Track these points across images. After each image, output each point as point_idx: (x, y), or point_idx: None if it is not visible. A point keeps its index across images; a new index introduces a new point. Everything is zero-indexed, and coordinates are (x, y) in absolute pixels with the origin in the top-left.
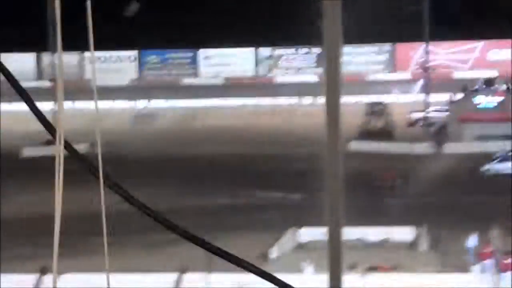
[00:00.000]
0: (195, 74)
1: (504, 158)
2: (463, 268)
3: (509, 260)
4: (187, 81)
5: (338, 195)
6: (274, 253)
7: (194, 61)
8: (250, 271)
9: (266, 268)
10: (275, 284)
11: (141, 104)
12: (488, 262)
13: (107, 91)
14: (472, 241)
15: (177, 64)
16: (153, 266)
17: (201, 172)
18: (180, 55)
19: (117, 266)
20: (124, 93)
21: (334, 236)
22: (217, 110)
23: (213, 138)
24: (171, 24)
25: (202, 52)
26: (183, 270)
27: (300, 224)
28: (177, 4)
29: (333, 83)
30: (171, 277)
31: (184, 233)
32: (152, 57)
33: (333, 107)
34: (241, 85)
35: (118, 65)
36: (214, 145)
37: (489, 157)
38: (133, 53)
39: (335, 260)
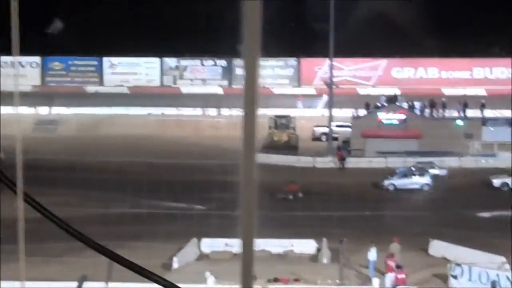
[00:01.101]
0: (100, 82)
1: (405, 174)
2: (364, 280)
3: (403, 275)
4: (92, 88)
5: (252, 206)
6: (176, 263)
7: (98, 69)
8: (153, 280)
9: (169, 277)
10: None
11: (44, 110)
12: (389, 275)
13: (9, 97)
14: (372, 254)
15: (81, 71)
16: (53, 275)
17: (105, 181)
18: (85, 63)
19: (16, 275)
20: (27, 99)
21: (247, 248)
22: (122, 119)
23: (117, 147)
24: (75, 31)
25: (107, 60)
26: (82, 279)
27: (203, 234)
28: (82, 11)
29: (250, 95)
30: (71, 286)
31: (90, 242)
32: (55, 64)
33: (250, 119)
34: (146, 95)
35: (20, 70)
36: (119, 154)
37: (390, 173)
38: (36, 59)
39: (246, 271)
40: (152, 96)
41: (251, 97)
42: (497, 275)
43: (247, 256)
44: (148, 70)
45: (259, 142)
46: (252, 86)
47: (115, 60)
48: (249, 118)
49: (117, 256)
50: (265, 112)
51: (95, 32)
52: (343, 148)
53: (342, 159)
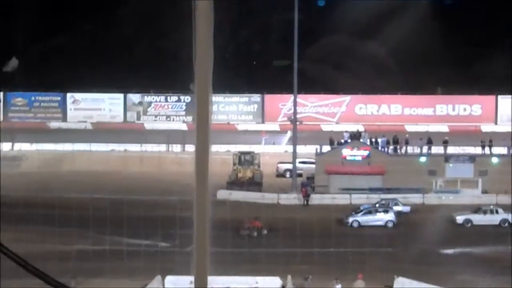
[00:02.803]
0: (63, 118)
1: (369, 211)
2: None
3: None
4: (55, 124)
5: (206, 244)
6: None
7: (62, 104)
8: None
9: None
10: None
11: (6, 146)
12: None
13: None
14: None
15: (44, 107)
16: None
17: (67, 217)
18: (48, 98)
19: None
20: None
21: (200, 285)
22: (85, 155)
23: (80, 183)
24: (38, 66)
25: (70, 96)
26: None
27: (167, 271)
28: (45, 47)
29: (203, 130)
30: None
31: (49, 279)
32: (18, 99)
33: (202, 155)
34: (109, 130)
35: None
36: (81, 190)
37: (354, 209)
38: None
39: None
40: (115, 132)
41: (203, 134)
42: None
43: None
44: (112, 106)
45: (222, 179)
46: (204, 122)
47: (79, 95)
48: (202, 155)
49: (53, 280)
50: (229, 149)
51: (58, 68)
52: (307, 185)
53: (307, 196)
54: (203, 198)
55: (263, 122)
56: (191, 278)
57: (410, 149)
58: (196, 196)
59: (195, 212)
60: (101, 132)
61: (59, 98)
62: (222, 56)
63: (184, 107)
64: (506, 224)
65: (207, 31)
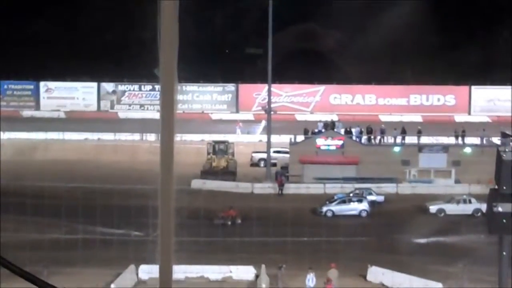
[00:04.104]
0: (36, 107)
1: (343, 200)
2: None
3: None
4: (28, 113)
5: (170, 233)
6: None
7: (35, 93)
8: None
9: None
10: None
11: None
12: None
13: None
14: (310, 280)
15: (17, 95)
16: None
17: (40, 206)
18: (21, 87)
19: None
20: None
21: (165, 275)
22: (58, 144)
23: (53, 172)
24: (11, 55)
25: (44, 85)
26: None
27: (141, 260)
28: (18, 34)
29: (167, 120)
30: None
31: (17, 270)
32: None
33: (167, 144)
34: (83, 119)
35: None
36: (54, 179)
37: (328, 199)
38: None
39: None
40: (89, 121)
41: (168, 122)
42: None
43: (165, 282)
44: (85, 95)
45: (196, 168)
46: (169, 111)
47: (52, 84)
48: (167, 144)
49: (47, 284)
50: (203, 138)
51: (31, 56)
52: (282, 174)
53: (281, 185)
54: (168, 187)
55: (237, 111)
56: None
57: (384, 139)
58: (160, 184)
59: (160, 201)
60: (75, 121)
61: (32, 87)
62: (196, 46)
63: (158, 96)
64: (479, 214)
65: (172, 18)
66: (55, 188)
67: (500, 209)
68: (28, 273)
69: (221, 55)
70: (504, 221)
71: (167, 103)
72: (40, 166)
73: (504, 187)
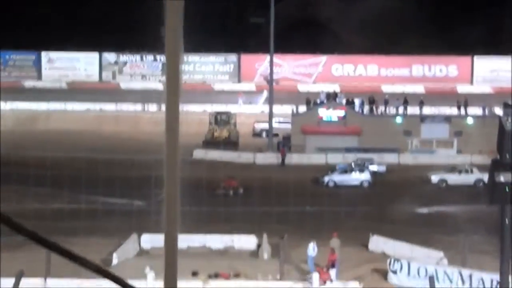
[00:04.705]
0: (38, 77)
1: (345, 170)
2: (304, 276)
3: (328, 272)
4: (29, 83)
5: (176, 202)
6: (116, 259)
7: (36, 63)
8: (102, 274)
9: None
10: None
11: None
12: (333, 270)
13: None
14: (312, 250)
15: (19, 66)
16: None
17: (43, 176)
18: (22, 57)
19: None
20: None
21: (170, 244)
22: (60, 114)
23: (55, 142)
24: (12, 25)
25: (45, 55)
26: (19, 276)
27: (143, 230)
28: (19, 5)
29: (173, 89)
30: (7, 282)
31: (35, 236)
32: None
33: (172, 114)
34: (85, 90)
35: None
36: (57, 149)
37: (330, 169)
38: None
39: (170, 267)
40: (90, 91)
41: (174, 92)
42: (435, 270)
43: (171, 251)
44: (87, 65)
45: (199, 138)
46: (175, 81)
47: (54, 55)
48: (172, 114)
49: (64, 250)
50: (205, 108)
51: (33, 27)
52: (284, 145)
53: (284, 155)
54: (173, 157)
55: (239, 82)
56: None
57: (386, 110)
58: (166, 154)
59: (165, 170)
60: (76, 91)
61: (33, 57)
62: (198, 16)
63: (160, 67)
64: (481, 184)
65: None
66: (57, 158)
67: (502, 179)
68: (29, 230)
69: (223, 25)
70: (507, 190)
71: (173, 73)
72: (41, 137)
73: (506, 157)
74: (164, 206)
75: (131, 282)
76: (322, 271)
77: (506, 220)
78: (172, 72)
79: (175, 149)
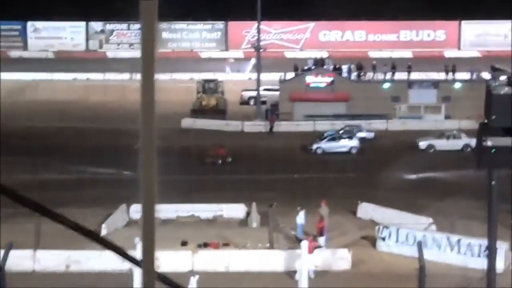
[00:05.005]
0: (24, 47)
1: (333, 137)
2: (294, 244)
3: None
4: (15, 53)
5: (153, 172)
6: (105, 229)
7: (22, 33)
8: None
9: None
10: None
11: None
12: (322, 238)
13: None
14: (301, 217)
15: (4, 36)
16: None
17: (31, 147)
18: (8, 27)
19: None
20: None
21: (148, 214)
22: (47, 84)
23: (43, 112)
24: None
25: (31, 25)
26: (8, 247)
27: (132, 200)
28: None
29: (148, 59)
30: None
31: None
32: None
33: (147, 84)
34: (71, 59)
35: None
36: (44, 119)
37: (319, 136)
38: None
39: (148, 237)
40: (77, 61)
41: (149, 60)
42: (424, 236)
43: (148, 221)
44: (74, 35)
45: (186, 107)
46: (150, 49)
47: (39, 24)
48: (147, 83)
49: (66, 219)
50: (193, 77)
51: None
52: (272, 112)
53: (272, 123)
54: (149, 126)
55: (226, 49)
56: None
57: (374, 75)
58: (142, 123)
59: (141, 140)
60: (63, 61)
61: (19, 27)
62: None
63: None
64: (469, 149)
65: None
66: (44, 128)
67: (489, 143)
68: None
69: None
70: (493, 152)
71: (148, 41)
72: (28, 107)
73: (493, 121)
74: (141, 176)
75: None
76: (309, 239)
77: (493, 184)
78: (148, 44)
79: (151, 117)
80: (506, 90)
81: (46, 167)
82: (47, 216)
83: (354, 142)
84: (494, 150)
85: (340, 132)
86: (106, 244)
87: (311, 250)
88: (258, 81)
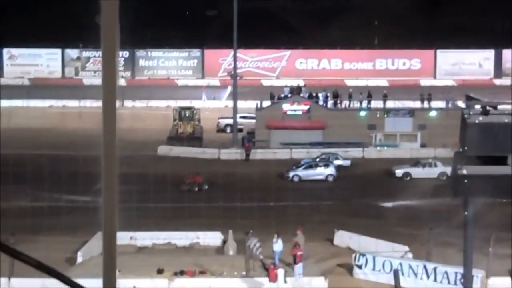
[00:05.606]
0: (0, 74)
1: (310, 165)
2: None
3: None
4: None
5: (114, 199)
6: (81, 257)
7: None
8: (54, 276)
9: (74, 272)
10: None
11: None
12: (298, 265)
13: None
14: (278, 245)
15: None
16: None
17: (5, 174)
18: None
19: None
20: None
21: (108, 242)
22: (23, 111)
23: (18, 139)
24: None
25: (7, 51)
26: None
27: None
28: None
29: (110, 85)
30: None
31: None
32: None
33: (109, 111)
34: (47, 86)
35: None
36: (19, 146)
37: (295, 164)
38: None
39: (109, 265)
40: (53, 87)
41: (110, 88)
42: (400, 264)
43: (109, 250)
44: (50, 62)
45: (163, 134)
46: (111, 77)
47: (15, 51)
48: (109, 110)
49: (20, 253)
50: (169, 104)
51: None
52: (248, 140)
53: (248, 151)
54: (111, 153)
55: (203, 77)
56: (131, 234)
57: (350, 104)
58: (103, 149)
59: (103, 168)
60: (39, 88)
61: None
62: (160, 11)
63: (122, 62)
64: (444, 177)
65: None
66: (19, 155)
67: (464, 171)
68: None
69: (186, 20)
70: (466, 182)
71: (109, 69)
72: (3, 134)
73: (468, 149)
74: (102, 204)
75: (96, 280)
76: (271, 267)
77: (468, 211)
78: (108, 70)
79: (113, 144)
80: (480, 119)
81: (20, 194)
82: (8, 254)
83: (331, 170)
84: (466, 180)
85: (317, 159)
86: (69, 283)
87: (274, 278)
88: (235, 109)
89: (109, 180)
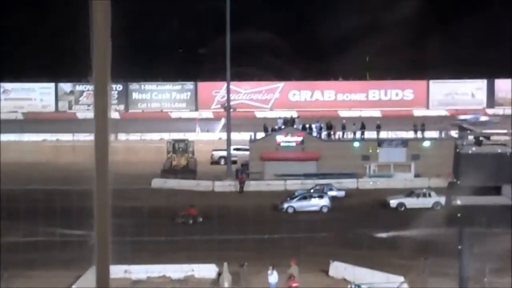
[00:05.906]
0: None
1: (304, 197)
2: None
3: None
4: None
5: (107, 233)
6: None
7: None
8: None
9: None
10: None
11: None
12: None
13: None
14: (273, 277)
15: None
16: None
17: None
18: None
19: None
20: None
21: (103, 275)
22: (16, 145)
23: (12, 174)
24: None
25: (0, 86)
26: None
27: None
28: None
29: (101, 119)
30: None
31: None
32: None
33: (101, 145)
34: (41, 120)
35: None
36: (13, 181)
37: (289, 195)
38: None
39: None
40: (47, 121)
41: (102, 124)
42: None
43: (103, 283)
44: (43, 96)
45: (157, 167)
46: (103, 111)
47: (8, 85)
48: (101, 145)
49: None
50: (163, 136)
51: None
52: (242, 172)
53: (242, 183)
54: (103, 187)
55: (196, 109)
56: (126, 267)
57: (344, 135)
58: (96, 184)
59: (95, 201)
60: (33, 122)
61: None
62: (154, 45)
63: (116, 96)
64: (439, 207)
65: (104, 21)
66: (12, 190)
67: (458, 201)
68: None
69: (179, 53)
70: (459, 215)
71: (101, 103)
72: None
73: (462, 180)
74: (95, 237)
75: None
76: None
77: (463, 241)
78: (100, 103)
79: (105, 178)
80: (473, 149)
81: (14, 229)
82: None
83: (325, 201)
84: (460, 212)
85: (311, 191)
86: None
87: None
88: (228, 141)
89: (101, 213)
